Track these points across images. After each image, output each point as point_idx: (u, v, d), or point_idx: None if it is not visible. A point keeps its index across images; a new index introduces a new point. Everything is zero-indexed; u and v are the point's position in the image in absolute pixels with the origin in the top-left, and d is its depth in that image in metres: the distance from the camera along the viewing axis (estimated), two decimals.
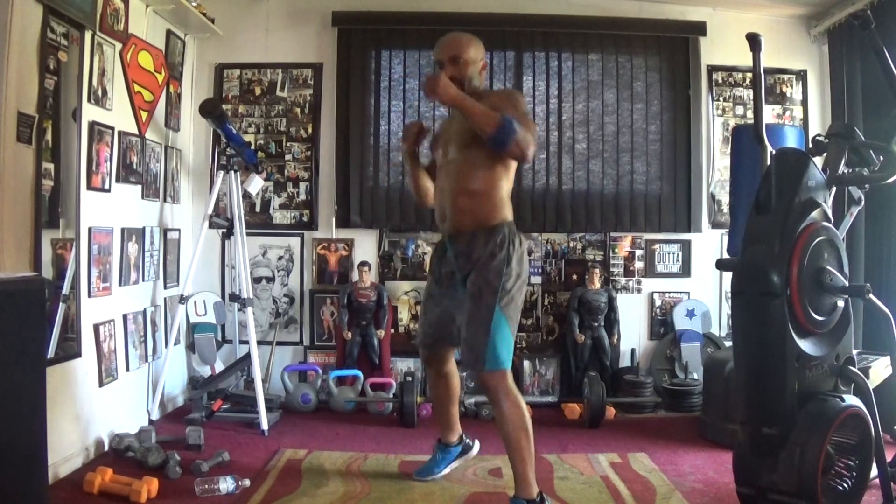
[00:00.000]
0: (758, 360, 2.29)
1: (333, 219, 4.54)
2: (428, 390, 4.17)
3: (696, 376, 4.39)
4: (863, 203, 2.71)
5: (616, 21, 4.57)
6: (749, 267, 2.31)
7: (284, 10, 4.57)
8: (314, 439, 3.60)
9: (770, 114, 4.58)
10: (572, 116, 4.60)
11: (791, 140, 3.75)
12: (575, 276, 4.60)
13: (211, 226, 3.91)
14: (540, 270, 4.61)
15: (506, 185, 2.69)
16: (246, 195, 4.26)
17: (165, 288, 4.10)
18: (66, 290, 3.06)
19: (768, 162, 2.42)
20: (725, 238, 4.32)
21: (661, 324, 4.63)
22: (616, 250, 4.64)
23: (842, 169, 2.52)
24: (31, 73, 2.75)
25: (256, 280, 4.50)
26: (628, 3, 4.59)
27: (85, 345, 3.17)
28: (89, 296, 3.22)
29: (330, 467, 3.14)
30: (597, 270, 4.48)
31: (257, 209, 4.57)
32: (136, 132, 3.69)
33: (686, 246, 4.64)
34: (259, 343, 3.92)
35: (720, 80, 4.67)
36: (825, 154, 2.56)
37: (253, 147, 4.31)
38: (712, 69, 4.65)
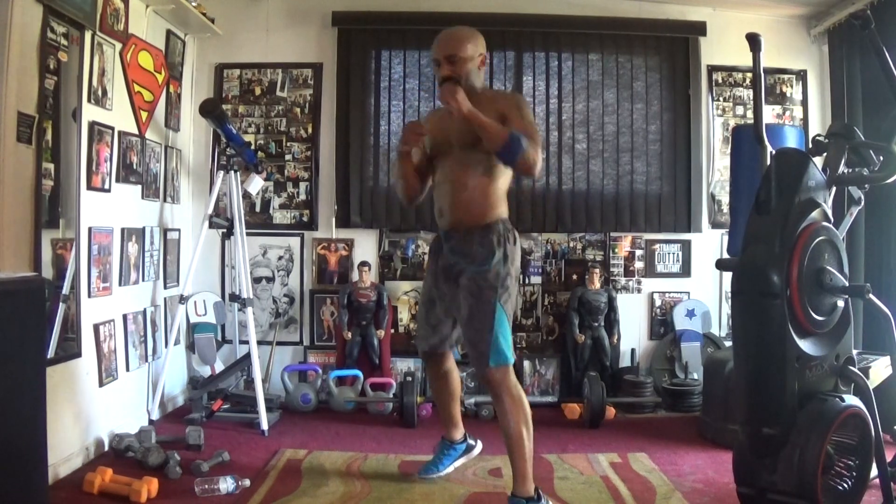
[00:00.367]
0: (758, 360, 2.29)
1: (333, 219, 4.54)
2: (428, 389, 4.17)
3: (696, 376, 4.39)
4: (863, 203, 2.71)
5: (616, 21, 4.57)
6: (749, 267, 2.31)
7: (284, 10, 4.57)
8: (314, 439, 3.60)
9: (770, 114, 4.58)
10: (572, 116, 4.60)
11: (791, 140, 3.75)
12: (575, 276, 4.60)
13: (211, 226, 3.91)
14: (540, 270, 4.61)
15: (504, 182, 2.72)
16: (246, 195, 4.26)
17: (165, 288, 4.10)
18: (66, 290, 3.06)
19: (768, 162, 2.42)
20: (725, 238, 4.32)
21: (661, 324, 4.63)
22: (616, 250, 4.64)
23: (842, 169, 2.52)
24: (31, 73, 2.75)
25: (256, 280, 4.50)
26: (628, 3, 4.59)
27: (85, 345, 3.17)
28: (89, 296, 3.22)
29: (330, 467, 3.14)
30: (597, 270, 4.48)
31: (257, 209, 4.57)
32: (136, 132, 3.69)
33: (686, 246, 4.64)
34: (259, 343, 3.92)
35: (720, 80, 4.67)
36: (825, 154, 2.56)
37: (253, 147, 4.31)
38: (712, 69, 4.65)
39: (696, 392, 4.19)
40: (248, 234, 4.04)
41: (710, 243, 4.61)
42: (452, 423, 3.06)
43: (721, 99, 4.68)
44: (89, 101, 3.22)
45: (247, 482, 2.84)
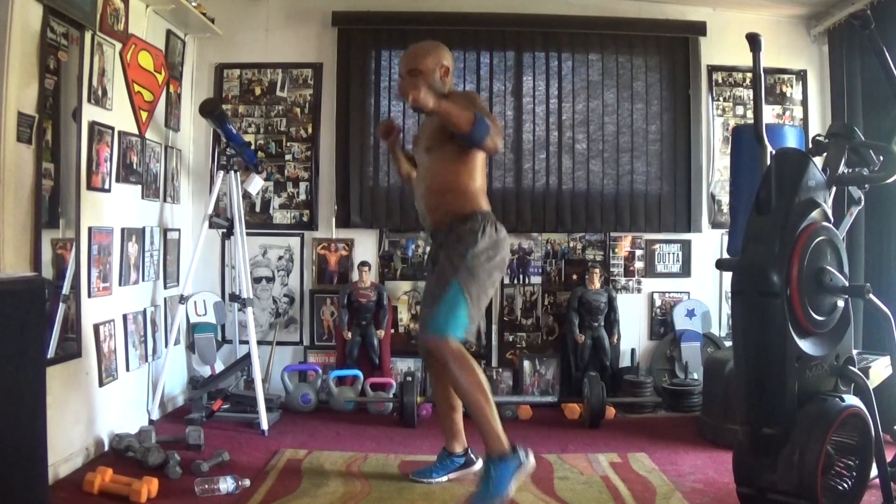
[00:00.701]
0: (758, 360, 2.29)
1: (333, 219, 4.54)
2: (429, 389, 4.17)
3: (696, 376, 4.39)
4: (863, 203, 2.72)
5: (616, 21, 4.57)
6: (749, 267, 2.32)
7: (284, 10, 4.57)
8: (314, 439, 3.60)
9: (770, 114, 4.58)
10: (572, 116, 4.60)
11: (791, 140, 3.75)
12: (575, 276, 4.60)
13: (211, 226, 3.91)
14: (540, 270, 4.61)
15: (477, 178, 2.83)
16: (246, 195, 4.26)
17: (165, 288, 4.10)
18: (66, 290, 3.06)
19: (768, 162, 2.42)
20: (725, 238, 4.32)
21: (661, 324, 4.63)
22: (616, 250, 4.64)
23: (842, 169, 2.53)
24: (31, 73, 2.75)
25: (256, 280, 4.50)
26: (628, 3, 4.59)
27: (85, 345, 3.17)
28: (89, 296, 3.22)
29: (330, 467, 3.14)
30: (597, 270, 4.48)
31: (257, 209, 4.57)
32: (136, 132, 3.69)
33: (686, 246, 4.64)
34: (259, 343, 3.92)
35: (720, 80, 4.67)
36: (825, 154, 2.56)
37: (253, 147, 4.32)
38: (712, 69, 4.65)
39: (696, 392, 4.19)
40: (248, 234, 4.04)
41: (710, 243, 4.60)
42: (452, 435, 3.04)
43: (721, 99, 4.67)
44: (89, 101, 3.22)
45: (247, 482, 2.84)
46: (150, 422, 3.64)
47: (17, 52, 2.65)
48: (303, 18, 4.58)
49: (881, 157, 2.54)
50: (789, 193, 2.30)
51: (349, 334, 4.33)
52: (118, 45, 3.46)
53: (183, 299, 3.84)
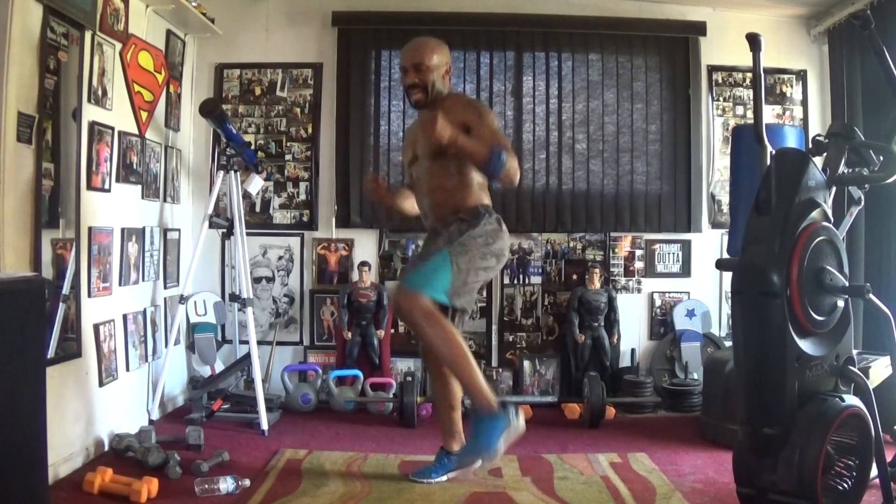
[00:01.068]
0: (758, 360, 2.29)
1: (333, 219, 4.54)
2: (428, 389, 4.17)
3: (696, 376, 4.39)
4: (863, 203, 2.71)
5: (616, 21, 4.57)
6: (749, 267, 2.31)
7: (284, 10, 4.57)
8: (314, 439, 3.60)
9: (770, 114, 4.58)
10: (572, 116, 4.60)
11: (791, 140, 3.75)
12: (575, 276, 4.60)
13: (211, 226, 3.91)
14: (540, 270, 4.61)
15: (477, 176, 2.80)
16: (246, 195, 4.26)
17: (165, 288, 4.10)
18: (66, 290, 3.06)
19: (768, 162, 2.42)
20: (725, 238, 4.32)
21: (661, 324, 4.63)
22: (616, 250, 4.64)
23: (842, 169, 2.52)
24: (31, 73, 2.75)
25: (256, 280, 4.50)
26: (628, 3, 4.59)
27: (85, 345, 3.17)
28: (89, 296, 3.22)
29: (330, 467, 3.14)
30: (597, 270, 4.48)
31: (257, 209, 4.57)
32: (136, 132, 3.69)
33: (686, 246, 4.64)
34: (259, 343, 3.92)
35: (720, 80, 4.67)
36: (825, 154, 2.56)
37: (253, 147, 4.32)
38: (712, 69, 4.66)
39: (696, 392, 4.19)
40: (248, 234, 4.04)
41: (710, 243, 4.61)
42: (450, 434, 3.04)
43: (721, 99, 4.68)
44: (89, 101, 3.22)
45: (247, 482, 2.84)
46: (150, 422, 3.64)
47: (17, 52, 2.65)
48: (303, 18, 4.58)
49: (881, 157, 2.54)
50: (789, 193, 2.30)
51: (349, 334, 4.33)
52: (118, 45, 3.46)
53: (183, 299, 3.84)
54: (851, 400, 2.31)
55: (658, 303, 4.64)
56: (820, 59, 4.65)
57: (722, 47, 4.57)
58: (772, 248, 2.26)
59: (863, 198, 2.70)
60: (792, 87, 4.67)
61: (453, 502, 2.75)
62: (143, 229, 3.80)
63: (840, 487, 2.31)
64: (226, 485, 2.76)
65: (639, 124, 4.61)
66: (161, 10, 3.91)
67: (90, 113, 3.24)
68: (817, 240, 2.31)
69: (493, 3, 4.56)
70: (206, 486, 2.74)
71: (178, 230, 4.32)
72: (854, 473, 2.34)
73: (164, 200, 4.11)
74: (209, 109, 3.82)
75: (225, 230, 4.00)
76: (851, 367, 2.43)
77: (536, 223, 4.57)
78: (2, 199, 2.59)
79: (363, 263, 4.39)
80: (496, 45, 4.57)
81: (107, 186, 3.40)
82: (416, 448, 3.44)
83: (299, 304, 4.57)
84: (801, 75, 4.67)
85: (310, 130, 4.58)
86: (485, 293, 4.50)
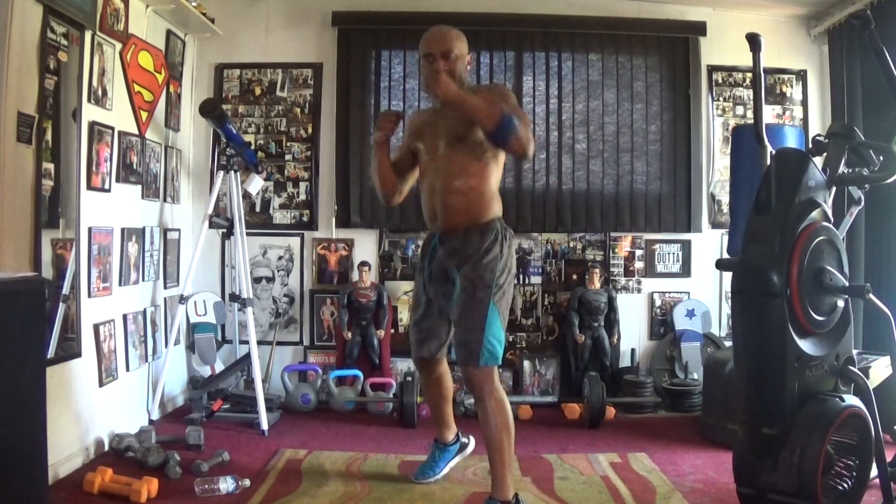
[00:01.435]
0: (758, 360, 2.29)
1: (333, 219, 4.54)
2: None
3: (696, 376, 4.39)
4: (863, 203, 2.72)
5: (616, 21, 4.57)
6: (749, 267, 2.31)
7: (284, 10, 4.57)
8: (314, 439, 3.60)
9: (770, 114, 4.58)
10: (572, 116, 4.60)
11: (791, 140, 3.75)
12: (575, 276, 4.60)
13: (211, 226, 3.91)
14: (540, 270, 4.61)
15: (496, 179, 2.70)
16: (246, 195, 4.26)
17: (165, 288, 4.10)
18: (66, 290, 3.06)
19: (768, 162, 2.42)
20: (725, 238, 4.32)
21: (661, 324, 4.63)
22: (616, 250, 4.64)
23: (842, 169, 2.53)
24: (31, 73, 2.75)
25: (256, 280, 4.50)
26: (628, 3, 4.60)
27: (85, 345, 3.17)
28: (89, 296, 3.22)
29: (330, 467, 3.14)
30: (597, 270, 4.48)
31: (257, 209, 4.57)
32: (136, 132, 3.69)
33: (686, 246, 4.64)
34: (259, 343, 3.92)
35: (720, 80, 4.67)
36: (825, 154, 2.56)
37: (253, 147, 4.32)
38: (712, 69, 4.66)
39: (696, 392, 4.19)
40: (248, 234, 4.04)
41: (710, 243, 4.61)
42: (444, 425, 3.05)
43: (721, 99, 4.68)
44: (89, 101, 3.22)
45: (247, 482, 2.84)
46: (150, 422, 3.64)
47: (17, 52, 2.65)
48: (303, 18, 4.58)
49: (881, 157, 2.54)
50: (789, 193, 2.30)
51: (349, 334, 4.33)
52: (118, 45, 3.46)
53: (183, 299, 3.84)
54: (851, 400, 2.31)
55: (658, 303, 4.64)
56: (820, 59, 4.65)
57: (722, 47, 4.57)
58: (772, 248, 2.26)
59: (863, 198, 2.70)
60: (792, 87, 4.67)
61: (453, 502, 2.75)
62: (143, 229, 3.80)
63: (840, 487, 2.31)
64: (226, 485, 2.76)
65: (639, 124, 4.61)
66: (161, 10, 3.91)
67: (90, 113, 3.24)
68: (817, 240, 2.31)
69: (493, 3, 4.56)
70: (206, 486, 2.74)
71: (178, 230, 4.32)
72: (854, 473, 2.34)
73: (164, 200, 4.11)
74: (209, 109, 3.82)
75: (225, 230, 4.00)
76: (851, 367, 2.43)
77: (536, 223, 4.56)
78: (2, 199, 2.60)
79: (363, 263, 4.39)
80: (496, 45, 4.57)
81: (107, 186, 3.40)
82: (416, 448, 3.44)
83: (299, 304, 4.57)
84: (801, 75, 4.67)
85: (310, 130, 4.58)
86: None
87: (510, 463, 2.60)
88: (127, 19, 3.52)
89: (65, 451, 2.93)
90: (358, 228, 4.55)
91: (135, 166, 3.68)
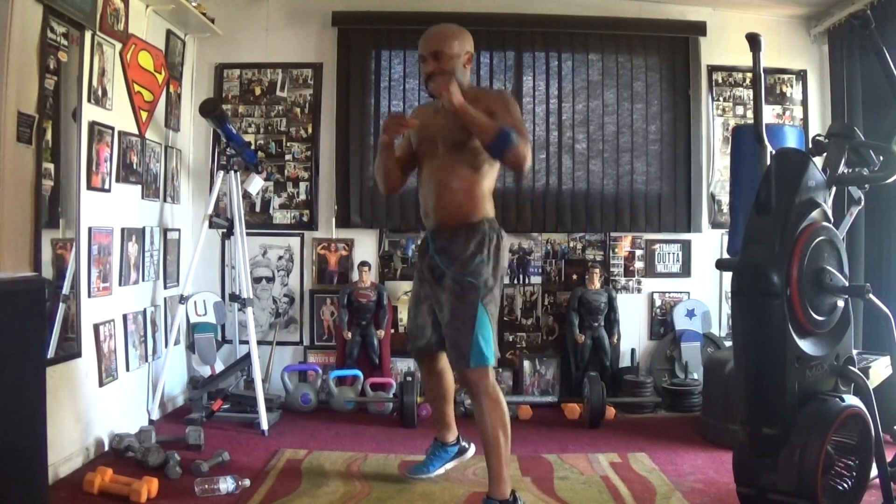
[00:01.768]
0: (758, 360, 2.29)
1: (333, 219, 4.54)
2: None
3: (696, 376, 4.39)
4: (863, 203, 2.72)
5: (616, 21, 4.57)
6: (749, 267, 2.31)
7: (284, 10, 4.57)
8: (314, 439, 3.60)
9: (770, 114, 4.58)
10: (572, 116, 4.60)
11: (791, 140, 3.75)
12: (575, 276, 4.60)
13: (211, 226, 3.91)
14: (540, 270, 4.61)
15: (489, 182, 2.72)
16: (246, 195, 4.26)
17: (165, 288, 4.10)
18: (66, 290, 3.06)
19: (768, 162, 2.42)
20: (725, 238, 4.32)
21: (661, 324, 4.63)
22: (616, 250, 4.64)
23: (842, 169, 2.53)
24: (31, 73, 2.75)
25: (256, 280, 4.50)
26: (628, 3, 4.60)
27: (85, 345, 3.17)
28: (89, 296, 3.22)
29: (330, 467, 3.14)
30: (597, 270, 4.48)
31: (257, 209, 4.57)
32: (136, 132, 3.69)
33: (686, 246, 4.64)
34: (259, 343, 3.92)
35: (720, 80, 4.68)
36: (825, 154, 2.56)
37: (253, 147, 4.32)
38: (712, 69, 4.66)
39: (696, 392, 4.19)
40: (248, 234, 4.04)
41: (710, 243, 4.61)
42: (444, 425, 3.05)
43: (721, 99, 4.68)
44: (89, 101, 3.22)
45: (247, 482, 2.84)
46: (150, 422, 3.64)
47: (17, 52, 2.65)
48: (303, 18, 4.58)
49: (881, 157, 2.54)
50: (789, 193, 2.30)
51: (349, 334, 4.33)
52: (118, 45, 3.46)
53: (183, 299, 3.84)
54: (851, 400, 2.31)
55: (658, 303, 4.64)
56: (820, 59, 4.65)
57: (722, 47, 4.57)
58: (772, 248, 2.26)
59: (863, 198, 2.70)
60: (792, 87, 4.67)
61: (453, 502, 2.75)
62: (143, 229, 3.80)
63: (840, 487, 2.31)
64: (226, 485, 2.76)
65: (639, 124, 4.61)
66: (161, 10, 3.91)
67: (90, 113, 3.24)
68: (817, 240, 2.31)
69: (493, 3, 4.56)
70: (206, 486, 2.74)
71: (178, 230, 4.32)
72: (854, 473, 2.34)
73: (164, 200, 4.11)
74: (209, 109, 3.82)
75: (225, 230, 4.00)
76: (851, 367, 2.43)
77: (536, 223, 4.57)
78: (2, 199, 2.59)
79: (363, 263, 4.39)
80: (496, 45, 4.57)
81: (107, 186, 3.40)
82: (416, 448, 3.43)
83: (299, 304, 4.57)
84: (801, 75, 4.67)
85: (310, 130, 4.58)
86: None
87: (506, 461, 2.60)
88: (127, 19, 3.52)
89: (65, 451, 2.93)
90: (358, 228, 4.55)
91: (135, 166, 3.68)
